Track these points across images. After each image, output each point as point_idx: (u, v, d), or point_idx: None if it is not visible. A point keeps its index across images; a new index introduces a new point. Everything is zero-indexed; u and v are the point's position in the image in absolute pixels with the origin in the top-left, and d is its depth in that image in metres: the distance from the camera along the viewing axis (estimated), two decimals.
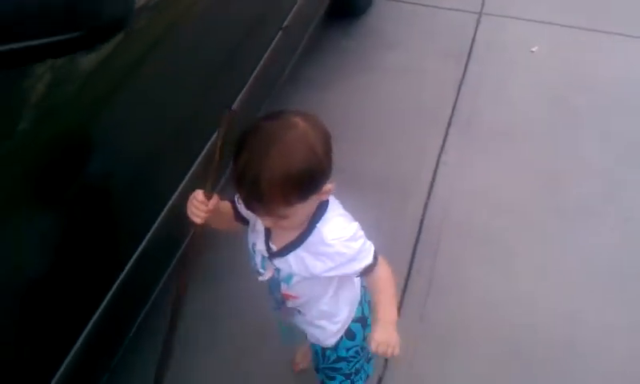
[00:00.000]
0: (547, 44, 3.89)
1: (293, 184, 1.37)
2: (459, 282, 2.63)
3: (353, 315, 1.79)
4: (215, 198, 1.53)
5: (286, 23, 2.76)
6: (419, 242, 2.77)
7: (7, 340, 1.45)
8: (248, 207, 1.45)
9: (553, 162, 3.14)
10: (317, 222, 1.52)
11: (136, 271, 1.84)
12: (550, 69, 3.72)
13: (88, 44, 1.38)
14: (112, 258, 1.81)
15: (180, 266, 1.72)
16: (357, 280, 1.75)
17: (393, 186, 3.01)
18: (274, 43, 2.67)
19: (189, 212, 1.54)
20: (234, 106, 2.33)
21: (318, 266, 1.55)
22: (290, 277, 1.62)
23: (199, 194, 1.52)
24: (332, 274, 1.58)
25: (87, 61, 1.56)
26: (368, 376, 1.97)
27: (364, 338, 1.83)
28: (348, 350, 1.82)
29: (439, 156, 3.17)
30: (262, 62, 2.58)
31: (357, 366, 1.87)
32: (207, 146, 2.13)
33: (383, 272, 1.63)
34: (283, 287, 1.66)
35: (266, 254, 1.62)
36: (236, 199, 1.64)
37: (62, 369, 1.60)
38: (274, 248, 1.59)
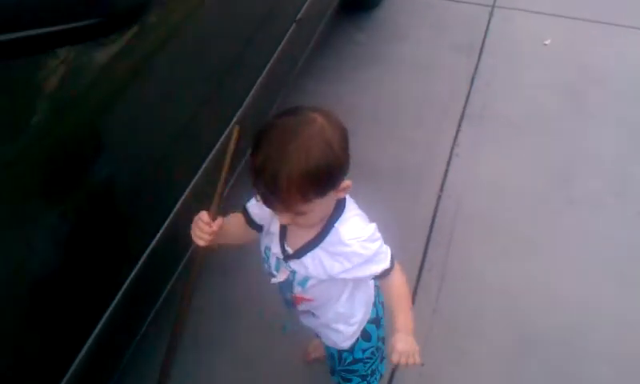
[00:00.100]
0: (560, 37, 3.89)
1: (311, 180, 1.36)
2: (472, 273, 2.64)
3: (368, 316, 1.79)
4: (220, 219, 1.55)
5: (299, 16, 2.76)
6: (432, 234, 2.78)
7: (19, 339, 1.45)
8: (266, 203, 1.44)
9: (565, 154, 3.14)
10: (335, 221, 1.52)
11: (147, 269, 1.84)
12: (562, 62, 3.71)
13: (106, 31, 1.38)
14: (124, 254, 1.81)
15: (183, 288, 1.72)
16: (371, 281, 1.74)
17: (406, 178, 3.02)
18: (287, 36, 2.68)
19: (192, 234, 1.56)
20: (246, 103, 2.34)
21: (335, 267, 1.55)
22: (305, 280, 1.62)
23: (204, 215, 1.55)
24: (349, 276, 1.57)
25: (103, 52, 1.57)
26: (381, 375, 1.98)
27: (379, 339, 1.84)
28: (364, 351, 1.82)
29: (452, 148, 3.18)
30: (275, 55, 2.59)
31: (372, 367, 1.88)
32: (220, 140, 2.15)
33: (399, 278, 1.63)
34: (298, 290, 1.66)
35: (281, 256, 1.61)
36: (247, 206, 1.64)
37: (72, 367, 1.59)
38: (290, 250, 1.59)
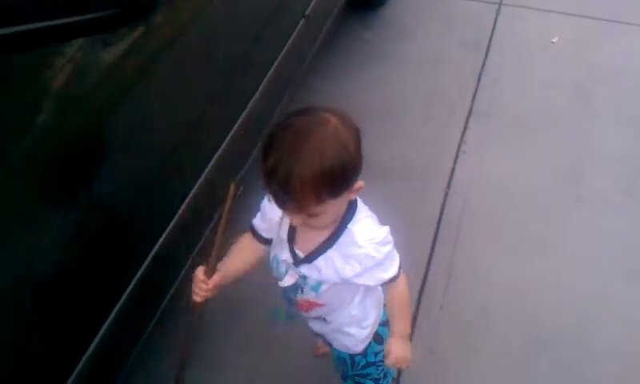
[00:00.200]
0: (567, 35, 3.88)
1: (325, 180, 1.35)
2: (479, 270, 2.64)
3: (380, 319, 1.78)
4: (217, 276, 1.59)
5: (307, 11, 2.77)
6: (439, 231, 2.78)
7: (28, 337, 1.46)
8: (278, 203, 1.43)
9: (572, 151, 3.14)
10: (347, 222, 1.52)
11: (153, 267, 1.84)
12: (570, 60, 3.71)
13: (123, 22, 1.39)
14: (132, 251, 1.82)
15: (182, 341, 1.75)
16: None
17: (413, 175, 3.02)
18: (295, 32, 2.69)
19: (192, 291, 1.61)
20: (253, 100, 2.34)
21: (347, 270, 1.54)
22: (318, 285, 1.60)
23: (200, 273, 1.59)
24: (359, 281, 1.56)
25: (109, 51, 1.58)
26: (393, 378, 1.98)
27: None
28: (376, 354, 1.81)
29: (459, 146, 3.18)
30: (283, 51, 2.59)
31: (384, 370, 1.87)
32: (233, 134, 2.15)
33: (403, 286, 1.64)
34: (311, 296, 1.64)
35: (291, 261, 1.60)
36: (253, 223, 1.66)
37: (79, 365, 1.60)
38: (301, 254, 1.58)
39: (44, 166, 1.41)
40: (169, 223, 1.90)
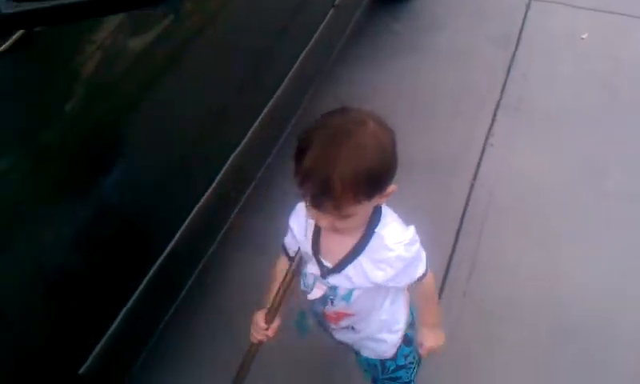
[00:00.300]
0: (597, 31, 3.85)
1: (364, 181, 1.35)
2: (503, 260, 2.65)
3: (409, 320, 1.78)
4: (277, 321, 1.65)
5: (337, 2, 2.79)
6: (464, 221, 2.80)
7: (56, 312, 1.51)
8: (314, 205, 1.39)
9: (599, 147, 3.13)
10: (375, 226, 1.50)
11: (181, 247, 1.89)
12: (599, 56, 3.68)
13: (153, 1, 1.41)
14: (161, 231, 1.86)
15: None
16: None
17: (440, 166, 3.04)
18: (325, 21, 2.71)
19: (250, 333, 1.68)
20: (280, 90, 2.37)
21: (378, 275, 1.53)
22: (349, 293, 1.58)
23: (260, 319, 1.65)
24: (392, 284, 1.56)
25: (138, 39, 1.62)
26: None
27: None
28: (406, 357, 1.81)
29: (486, 138, 3.18)
30: (312, 40, 2.61)
31: (414, 372, 1.86)
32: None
33: (430, 281, 1.65)
34: (342, 306, 1.62)
35: (319, 273, 1.59)
36: (284, 243, 1.69)
37: (101, 342, 1.64)
38: (329, 265, 1.56)
39: (74, 151, 1.45)
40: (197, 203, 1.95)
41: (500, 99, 3.41)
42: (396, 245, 1.50)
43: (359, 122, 1.38)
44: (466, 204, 2.88)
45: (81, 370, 1.58)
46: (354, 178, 1.32)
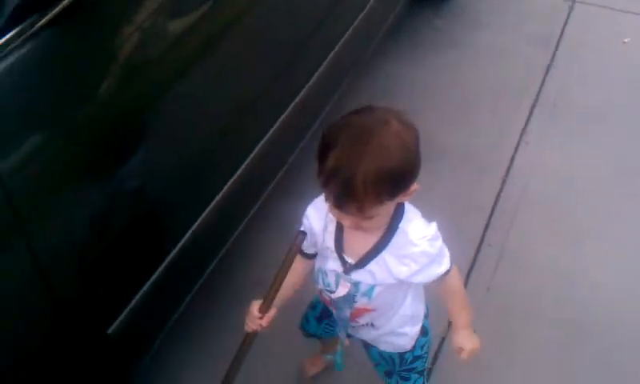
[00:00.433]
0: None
1: (387, 182, 1.34)
2: (530, 257, 2.66)
3: (426, 311, 1.79)
4: (272, 311, 1.62)
5: None
6: (493, 216, 2.81)
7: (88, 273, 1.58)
8: (337, 204, 1.39)
9: (634, 150, 3.12)
10: (398, 222, 1.50)
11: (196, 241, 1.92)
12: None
13: None
14: (189, 208, 1.91)
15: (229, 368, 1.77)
16: None
17: (473, 160, 3.06)
18: (365, 11, 2.74)
19: (245, 323, 1.66)
20: (314, 79, 2.40)
21: (402, 271, 1.52)
22: (371, 289, 1.58)
23: (255, 309, 1.63)
24: (416, 279, 1.55)
25: (175, 23, 1.66)
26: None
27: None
28: (422, 347, 1.82)
29: (521, 135, 3.19)
30: (350, 30, 2.65)
31: (427, 360, 1.87)
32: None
33: (457, 278, 1.65)
34: (363, 301, 1.61)
35: (341, 270, 1.58)
36: (298, 239, 1.56)
37: (128, 307, 1.70)
38: (352, 261, 1.55)
39: (110, 128, 1.50)
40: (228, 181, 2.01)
41: (537, 98, 3.41)
42: (420, 240, 1.50)
43: (383, 122, 1.36)
44: (497, 199, 2.89)
45: (109, 330, 1.65)
46: (377, 178, 1.32)
